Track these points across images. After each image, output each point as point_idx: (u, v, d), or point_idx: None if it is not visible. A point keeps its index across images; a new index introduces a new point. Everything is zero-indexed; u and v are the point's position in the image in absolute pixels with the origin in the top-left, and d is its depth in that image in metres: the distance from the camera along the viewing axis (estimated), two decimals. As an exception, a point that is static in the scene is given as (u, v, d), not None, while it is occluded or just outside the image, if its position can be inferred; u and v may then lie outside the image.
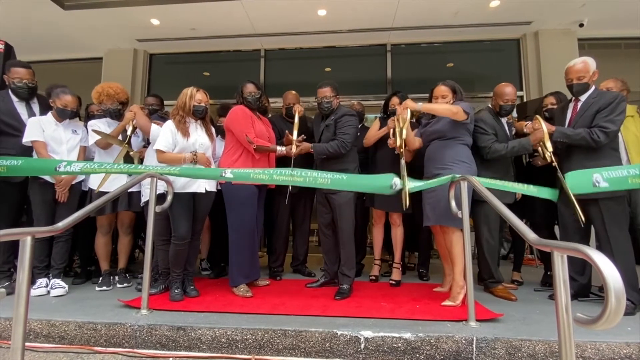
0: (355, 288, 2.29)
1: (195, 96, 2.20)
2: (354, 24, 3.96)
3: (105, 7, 3.61)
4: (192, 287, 2.17)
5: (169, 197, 1.98)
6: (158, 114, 2.83)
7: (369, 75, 4.50)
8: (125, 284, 2.48)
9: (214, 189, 2.27)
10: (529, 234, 1.13)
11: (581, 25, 3.78)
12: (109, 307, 1.96)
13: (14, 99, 2.37)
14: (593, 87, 2.10)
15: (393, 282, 2.52)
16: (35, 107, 2.47)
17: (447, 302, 2.00)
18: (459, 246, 2.01)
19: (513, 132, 2.41)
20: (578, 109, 2.10)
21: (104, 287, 2.37)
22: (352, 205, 2.30)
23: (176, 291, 2.04)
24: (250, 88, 2.36)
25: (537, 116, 2.22)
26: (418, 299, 2.16)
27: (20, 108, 2.39)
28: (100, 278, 2.42)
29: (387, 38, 4.28)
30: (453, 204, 1.90)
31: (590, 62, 2.06)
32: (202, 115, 2.25)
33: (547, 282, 2.51)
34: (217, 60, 4.79)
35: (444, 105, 2.08)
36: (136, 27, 4.12)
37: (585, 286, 2.15)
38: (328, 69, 4.55)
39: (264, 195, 2.52)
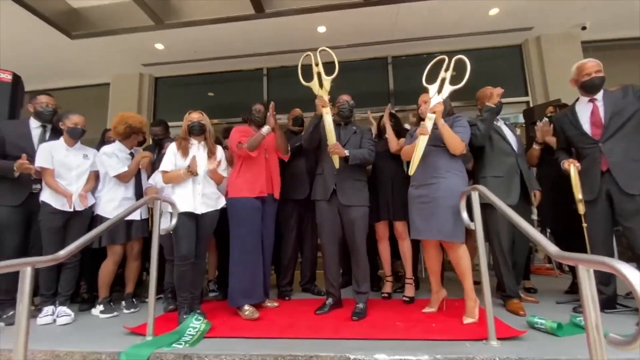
0: (369, 306, 2.20)
1: (190, 115, 2.28)
2: (354, 38, 4.00)
3: (111, 34, 3.72)
4: (199, 311, 2.11)
5: (174, 220, 1.96)
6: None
7: (371, 87, 4.52)
8: (132, 310, 2.43)
9: (212, 209, 2.23)
10: (550, 247, 1.06)
11: (584, 28, 3.75)
12: (115, 335, 1.90)
13: (33, 125, 2.50)
14: (603, 89, 2.06)
15: (406, 299, 2.42)
16: (48, 133, 2.54)
17: (468, 320, 1.89)
18: (466, 260, 1.94)
19: (517, 132, 2.36)
20: (602, 105, 2.03)
21: (108, 315, 2.31)
22: (367, 220, 2.26)
23: (184, 317, 1.98)
24: (257, 106, 2.48)
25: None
26: (433, 316, 2.06)
27: (36, 134, 2.48)
28: (102, 306, 2.36)
29: (387, 51, 4.31)
30: (465, 215, 1.83)
31: (600, 62, 2.06)
32: (199, 132, 2.26)
33: (573, 290, 2.39)
34: (221, 80, 4.87)
35: (454, 136, 2.01)
36: (141, 52, 4.23)
37: (612, 297, 2.03)
38: (331, 84, 4.57)
39: (272, 209, 2.46)
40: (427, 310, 2.16)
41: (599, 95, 2.06)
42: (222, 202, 2.30)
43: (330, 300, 2.26)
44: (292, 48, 4.14)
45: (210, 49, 4.19)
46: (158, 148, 2.94)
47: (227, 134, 2.67)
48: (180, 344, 1.68)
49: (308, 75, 2.29)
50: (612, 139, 1.98)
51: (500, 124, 2.36)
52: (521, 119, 3.85)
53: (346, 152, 2.18)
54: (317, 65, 2.25)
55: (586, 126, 2.08)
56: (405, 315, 2.08)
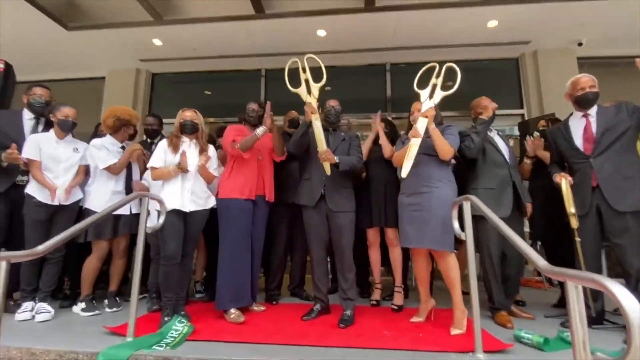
0: (356, 314, 2.17)
1: (183, 113, 2.24)
2: (353, 44, 4.00)
3: (109, 27, 3.68)
4: (183, 313, 2.06)
5: (162, 218, 1.92)
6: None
7: (368, 93, 4.53)
8: (114, 309, 2.37)
9: (201, 208, 2.19)
10: (539, 261, 1.04)
11: (580, 44, 3.80)
12: (95, 334, 1.85)
13: (26, 116, 2.46)
14: (596, 105, 2.07)
15: (395, 307, 2.39)
16: (41, 126, 2.49)
17: (455, 331, 1.88)
18: (456, 270, 1.93)
19: (510, 144, 2.36)
20: (595, 120, 2.05)
21: (89, 313, 2.25)
22: (354, 226, 2.25)
23: (166, 318, 1.93)
24: (252, 106, 2.45)
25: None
26: (421, 326, 2.04)
27: (28, 126, 2.44)
28: (84, 303, 2.29)
29: (386, 57, 4.33)
30: (456, 225, 1.82)
31: (595, 78, 2.08)
32: (191, 131, 2.23)
33: (562, 304, 2.39)
34: (218, 79, 4.84)
35: (445, 141, 2.01)
36: (139, 47, 4.19)
37: (600, 312, 2.03)
38: (328, 88, 4.56)
39: (263, 211, 2.42)
40: (415, 319, 2.14)
41: (593, 111, 2.07)
42: (212, 202, 2.27)
43: (317, 306, 2.23)
44: (292, 50, 4.12)
45: (209, 48, 4.17)
46: (150, 140, 2.92)
47: (222, 133, 2.64)
48: (161, 346, 1.64)
49: (298, 80, 2.25)
50: (602, 155, 1.99)
51: (494, 134, 2.36)
52: (516, 131, 3.87)
53: (336, 159, 2.16)
54: (304, 71, 2.22)
55: (578, 141, 2.09)
56: (393, 324, 2.06)
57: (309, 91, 2.22)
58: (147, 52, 4.30)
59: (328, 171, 2.16)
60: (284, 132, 2.94)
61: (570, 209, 2.00)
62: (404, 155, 2.06)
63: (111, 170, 2.36)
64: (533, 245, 2.96)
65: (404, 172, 1.99)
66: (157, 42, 4.06)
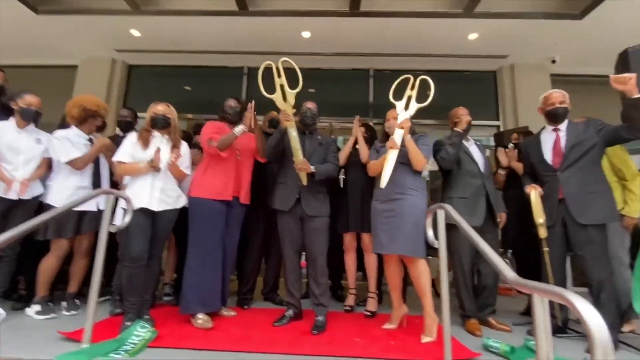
0: (329, 319, 2.14)
1: (155, 107, 2.14)
2: (338, 47, 3.99)
3: (82, 14, 3.49)
4: (147, 317, 1.96)
5: (127, 217, 1.82)
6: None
7: (351, 98, 4.53)
8: (73, 312, 2.23)
9: (170, 207, 2.09)
10: (507, 272, 1.05)
11: (553, 61, 3.96)
12: (48, 339, 1.73)
13: None
14: (567, 120, 2.15)
15: (368, 314, 2.38)
16: None
17: (426, 339, 1.88)
18: (426, 277, 1.95)
19: (487, 154, 2.42)
20: (565, 135, 2.12)
21: (45, 316, 2.09)
22: (328, 230, 2.22)
23: (127, 323, 1.82)
24: (230, 102, 2.38)
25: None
26: (393, 333, 2.03)
27: None
28: (39, 305, 2.14)
29: (370, 63, 4.35)
30: (430, 233, 1.83)
31: (566, 94, 2.16)
32: (163, 125, 2.13)
33: (529, 312, 2.44)
34: (199, 75, 4.70)
35: (419, 151, 2.06)
36: (115, 36, 4.01)
37: (564, 322, 2.10)
38: (312, 90, 4.55)
39: (238, 213, 2.35)
40: (387, 326, 2.13)
41: (563, 126, 2.15)
42: (182, 201, 2.17)
43: (290, 312, 2.18)
44: (276, 50, 4.06)
45: (191, 42, 4.04)
46: (123, 134, 2.78)
47: (199, 130, 2.55)
48: (120, 354, 1.54)
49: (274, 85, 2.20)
50: (569, 169, 2.05)
51: (471, 144, 2.40)
52: (492, 142, 3.98)
53: (313, 169, 2.13)
54: (279, 76, 2.15)
55: (548, 154, 2.15)
56: (365, 331, 2.04)
57: (284, 97, 2.17)
58: (124, 42, 4.12)
59: (304, 181, 2.13)
60: (264, 132, 2.89)
61: (539, 219, 2.06)
62: (380, 165, 2.10)
63: (74, 164, 2.21)
64: (504, 254, 3.04)
65: (383, 183, 2.02)
66: (136, 32, 3.90)
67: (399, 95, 2.19)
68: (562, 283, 2.09)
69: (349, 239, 2.59)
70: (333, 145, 2.36)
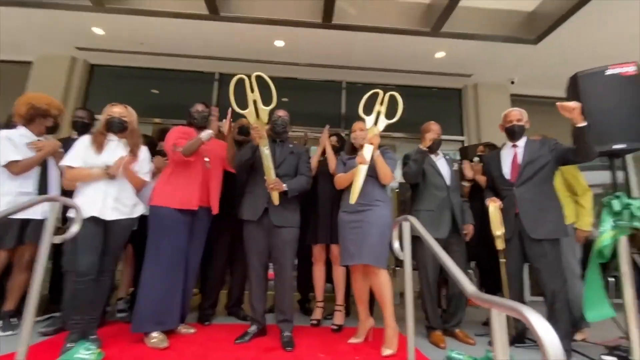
0: (294, 334, 2.07)
1: (111, 108, 2.02)
2: (312, 58, 4.02)
3: (40, 7, 3.26)
4: (93, 337, 1.79)
5: (75, 226, 1.66)
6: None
7: (324, 108, 4.55)
8: (9, 332, 2.00)
9: (125, 216, 1.96)
10: (468, 286, 1.06)
11: (512, 82, 4.23)
12: (-27, 366, 1.52)
13: None
14: (525, 137, 2.26)
15: (335, 327, 2.33)
16: None
17: (387, 352, 1.86)
18: (388, 287, 1.96)
19: (454, 168, 2.48)
20: (521, 152, 2.22)
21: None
22: (297, 242, 2.17)
23: (69, 345, 1.65)
24: (197, 107, 2.30)
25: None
26: (359, 347, 2.00)
27: None
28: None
29: (342, 75, 4.41)
30: (397, 245, 1.83)
31: (524, 112, 2.29)
32: (119, 129, 2.00)
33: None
34: (167, 78, 4.54)
35: (387, 167, 2.10)
36: (76, 33, 3.78)
37: (521, 331, 2.16)
38: (285, 99, 4.53)
39: (204, 224, 2.25)
40: (353, 340, 2.09)
41: (521, 142, 2.26)
42: (139, 210, 2.04)
43: (253, 328, 2.09)
44: (249, 57, 4.04)
45: (159, 44, 3.90)
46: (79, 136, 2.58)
47: (164, 136, 2.43)
48: (57, 380, 1.38)
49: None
50: (524, 185, 2.16)
51: (439, 158, 2.46)
52: (458, 156, 4.14)
53: (285, 187, 2.08)
54: (252, 91, 2.10)
55: (506, 169, 2.25)
56: (330, 346, 1.99)
57: (257, 114, 2.11)
58: (85, 40, 3.89)
59: (276, 201, 2.07)
60: (234, 140, 2.81)
61: (496, 231, 2.14)
62: (348, 179, 2.14)
63: (11, 168, 2.01)
64: (468, 265, 3.12)
65: (353, 199, 2.03)
66: (99, 30, 3.70)
67: (368, 110, 2.22)
68: (519, 293, 2.17)
69: (318, 251, 2.54)
70: (305, 155, 2.32)
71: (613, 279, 2.54)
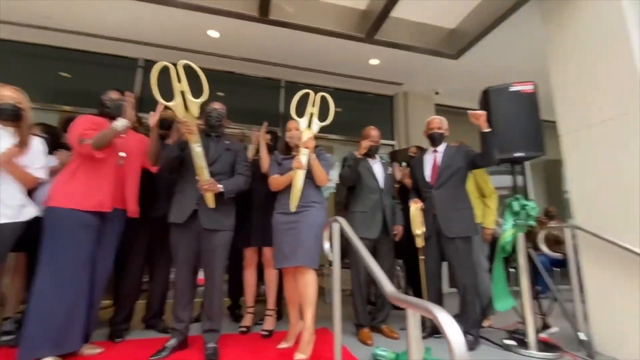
0: (221, 344, 1.94)
1: (0, 92, 1.68)
2: (250, 53, 3.87)
3: None
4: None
5: None
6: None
7: (262, 106, 4.44)
8: None
9: (11, 220, 1.65)
10: (387, 286, 1.08)
11: (437, 93, 4.62)
12: None
13: None
14: (446, 143, 2.46)
15: (265, 333, 2.25)
16: None
17: (299, 356, 1.82)
18: (314, 288, 1.96)
19: (389, 171, 2.59)
20: (440, 157, 2.40)
21: None
22: (229, 247, 2.04)
23: None
24: (111, 94, 2.06)
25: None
26: (288, 352, 1.94)
27: None
28: None
29: (281, 74, 4.34)
30: (327, 246, 1.84)
31: (445, 120, 2.49)
32: (10, 116, 1.69)
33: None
34: (81, 61, 3.95)
35: (323, 170, 2.10)
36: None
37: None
38: (221, 94, 4.30)
39: (116, 228, 1.99)
40: (282, 345, 2.04)
41: (441, 148, 2.45)
42: (29, 213, 1.73)
43: (173, 341, 1.90)
44: (179, 45, 3.73)
45: (71, 20, 3.36)
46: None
47: (66, 126, 2.09)
48: None
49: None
50: (441, 188, 2.35)
51: (375, 161, 2.55)
52: (387, 158, 4.38)
53: (220, 187, 1.93)
54: (179, 82, 1.88)
55: (427, 172, 2.43)
56: (259, 354, 1.92)
57: (186, 107, 1.92)
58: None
59: (211, 203, 1.91)
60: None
61: (416, 230, 2.29)
62: (283, 182, 2.10)
63: None
64: (394, 263, 3.29)
65: (293, 207, 2.01)
66: (-11, -4, 3.07)
67: (301, 112, 2.19)
68: (437, 287, 2.35)
69: (250, 254, 2.44)
70: (243, 152, 2.19)
71: (513, 270, 2.90)
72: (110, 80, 3.97)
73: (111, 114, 2.01)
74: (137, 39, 3.67)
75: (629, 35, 2.07)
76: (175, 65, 1.92)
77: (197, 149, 1.90)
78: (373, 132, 2.53)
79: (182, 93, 1.91)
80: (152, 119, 2.01)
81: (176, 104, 1.90)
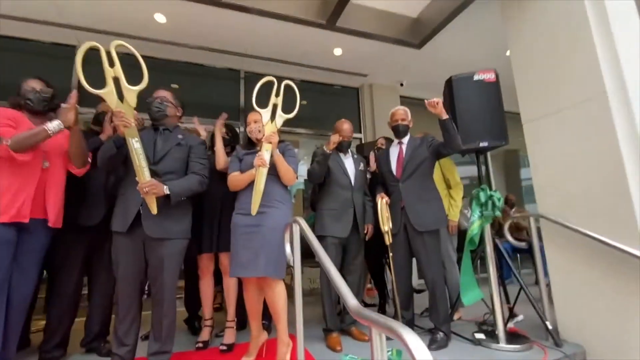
0: (173, 364, 1.72)
1: None
2: (204, 40, 3.56)
3: None
4: None
5: None
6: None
7: (221, 99, 4.14)
8: None
9: None
10: (350, 300, 0.94)
11: (401, 84, 4.57)
12: None
13: None
14: (410, 135, 2.37)
15: (224, 348, 2.04)
16: None
17: None
18: (284, 299, 1.80)
19: (360, 168, 2.45)
20: (405, 149, 2.32)
21: None
22: (182, 257, 1.80)
23: None
24: (33, 84, 1.77)
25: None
26: (249, 368, 1.77)
27: None
28: None
29: (241, 64, 4.07)
30: (288, 249, 1.67)
31: (408, 111, 2.39)
32: None
33: (382, 313, 2.57)
34: (6, 48, 3.45)
35: (289, 168, 1.90)
36: None
37: (410, 320, 2.27)
38: (175, 86, 3.95)
39: (38, 240, 1.70)
40: (244, 359, 1.85)
41: (406, 139, 2.37)
42: None
43: (116, 366, 1.65)
44: (122, 31, 3.33)
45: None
46: None
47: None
48: None
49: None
50: (408, 181, 2.26)
51: (347, 157, 2.41)
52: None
53: (166, 190, 1.67)
54: (112, 66, 1.61)
55: (393, 165, 2.33)
56: (216, 372, 1.71)
57: (120, 96, 1.65)
58: None
59: (153, 209, 1.66)
60: (90, 130, 2.24)
61: (384, 226, 2.19)
62: (244, 180, 1.87)
63: None
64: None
65: (254, 210, 1.79)
66: None
67: (263, 103, 1.97)
68: (407, 282, 2.28)
69: (204, 262, 2.21)
70: (200, 148, 1.92)
71: (480, 260, 2.91)
72: (41, 68, 3.49)
73: (32, 109, 1.73)
74: (72, 24, 3.25)
75: (587, 20, 2.07)
76: (105, 48, 1.63)
77: (135, 145, 1.64)
78: (345, 125, 2.36)
79: (116, 80, 1.64)
80: (68, 114, 1.68)
81: (107, 91, 1.62)
